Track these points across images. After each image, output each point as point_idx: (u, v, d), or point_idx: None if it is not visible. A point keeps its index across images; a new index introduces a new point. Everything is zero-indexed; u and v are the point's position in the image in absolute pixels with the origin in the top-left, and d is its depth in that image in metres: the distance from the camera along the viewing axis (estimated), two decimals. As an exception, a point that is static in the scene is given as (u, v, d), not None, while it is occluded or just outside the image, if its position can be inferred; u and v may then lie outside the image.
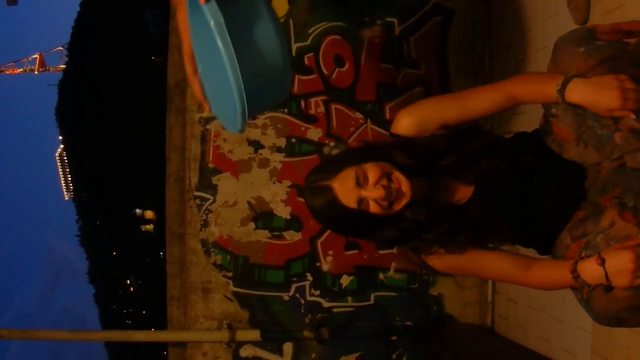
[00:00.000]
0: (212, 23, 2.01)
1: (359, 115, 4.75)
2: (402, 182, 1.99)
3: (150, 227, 37.62)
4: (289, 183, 4.74)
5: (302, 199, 4.71)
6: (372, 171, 2.01)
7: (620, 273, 1.82)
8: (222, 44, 2.01)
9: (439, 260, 2.12)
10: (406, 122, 2.16)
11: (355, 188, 2.01)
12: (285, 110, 4.72)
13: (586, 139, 1.99)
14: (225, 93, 2.15)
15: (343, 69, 4.75)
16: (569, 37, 2.06)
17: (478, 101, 2.15)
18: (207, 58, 2.26)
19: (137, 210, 38.28)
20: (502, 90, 2.14)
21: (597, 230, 1.96)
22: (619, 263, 1.82)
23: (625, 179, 1.96)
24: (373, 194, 1.99)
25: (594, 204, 2.04)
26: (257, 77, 2.11)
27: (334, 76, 4.75)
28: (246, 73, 2.04)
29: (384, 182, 1.99)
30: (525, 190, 2.12)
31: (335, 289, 4.81)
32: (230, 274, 4.77)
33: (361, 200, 2.01)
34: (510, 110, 4.18)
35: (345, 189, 2.02)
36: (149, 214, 37.51)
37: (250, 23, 2.13)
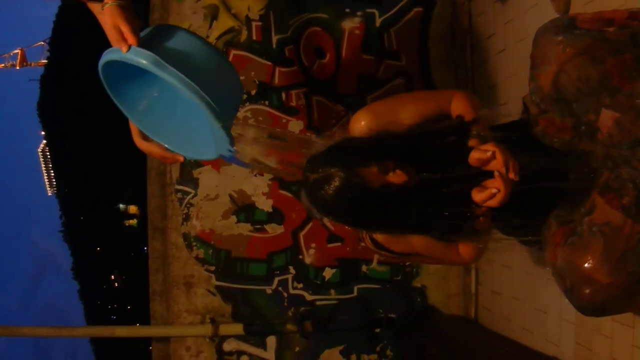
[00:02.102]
0: (145, 64, 2.07)
1: (340, 107, 4.73)
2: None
3: (134, 222, 37.54)
4: (270, 176, 4.71)
5: (285, 192, 4.72)
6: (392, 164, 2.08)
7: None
8: (168, 76, 2.08)
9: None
10: (365, 123, 2.22)
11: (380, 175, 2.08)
12: (266, 102, 4.70)
13: (576, 129, 1.99)
14: (195, 127, 2.21)
15: (324, 61, 4.74)
16: (549, 26, 2.06)
17: (430, 106, 2.24)
18: (158, 118, 2.34)
19: (121, 205, 38.18)
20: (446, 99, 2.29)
21: (582, 214, 1.96)
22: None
23: (611, 166, 1.96)
24: (399, 179, 2.07)
25: (581, 191, 2.04)
26: (213, 88, 2.16)
27: (314, 68, 4.73)
28: (206, 88, 2.10)
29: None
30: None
31: (318, 282, 4.80)
32: (212, 268, 4.75)
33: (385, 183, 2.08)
34: (492, 100, 4.19)
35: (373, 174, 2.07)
36: (133, 208, 37.43)
37: (181, 53, 2.21)
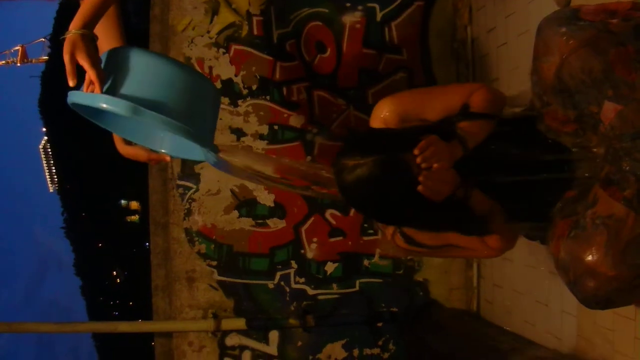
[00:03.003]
0: (124, 113, 2.07)
1: (341, 101, 4.73)
2: None
3: (135, 217, 37.50)
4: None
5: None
6: None
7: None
8: (153, 120, 2.09)
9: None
10: (390, 112, 2.20)
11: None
12: (267, 97, 4.70)
13: (578, 121, 1.99)
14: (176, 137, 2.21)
15: (325, 55, 4.73)
16: (552, 17, 2.05)
17: (455, 99, 2.21)
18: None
19: (122, 201, 38.16)
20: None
21: (585, 207, 1.96)
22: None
23: (612, 158, 1.95)
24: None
25: (584, 183, 2.04)
26: (188, 107, 2.16)
27: (315, 62, 4.73)
28: (181, 111, 2.09)
29: None
30: (517, 173, 2.13)
31: (320, 276, 4.80)
32: (214, 263, 4.75)
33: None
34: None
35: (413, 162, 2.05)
36: (134, 204, 37.40)
37: (144, 78, 2.20)
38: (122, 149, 2.64)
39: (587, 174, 2.07)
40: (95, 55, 2.16)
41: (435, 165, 2.01)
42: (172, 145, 2.57)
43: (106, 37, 2.55)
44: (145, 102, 2.08)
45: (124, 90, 2.11)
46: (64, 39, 2.24)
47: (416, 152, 2.00)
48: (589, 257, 1.91)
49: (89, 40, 2.19)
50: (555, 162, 2.14)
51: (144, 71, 2.19)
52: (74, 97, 2.16)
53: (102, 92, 2.12)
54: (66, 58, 2.16)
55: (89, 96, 2.12)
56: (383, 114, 2.23)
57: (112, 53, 2.31)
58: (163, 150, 2.60)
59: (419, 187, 1.99)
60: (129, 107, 2.04)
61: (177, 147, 2.55)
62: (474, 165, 2.13)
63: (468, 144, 2.11)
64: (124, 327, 4.97)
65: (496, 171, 2.16)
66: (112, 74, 2.15)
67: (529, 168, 2.14)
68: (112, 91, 2.13)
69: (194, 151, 2.41)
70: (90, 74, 2.11)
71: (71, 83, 2.11)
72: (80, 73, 2.17)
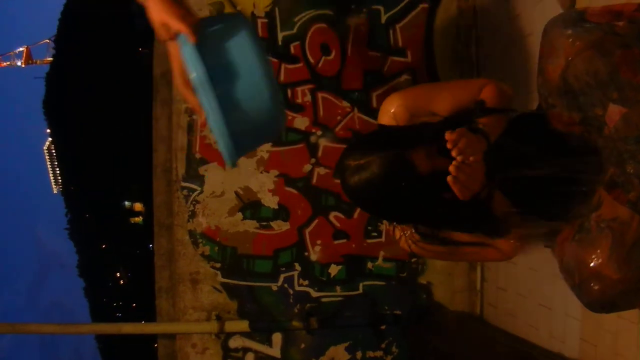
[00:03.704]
0: (193, 76, 2.00)
1: (345, 103, 4.73)
2: None
3: (139, 219, 37.64)
4: (276, 172, 4.72)
5: (291, 188, 4.72)
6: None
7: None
8: (204, 97, 2.01)
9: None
10: (399, 106, 2.16)
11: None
12: (272, 99, 4.69)
13: (583, 124, 1.99)
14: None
15: (329, 57, 4.73)
16: (558, 19, 2.05)
17: (464, 94, 2.18)
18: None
19: (126, 203, 38.28)
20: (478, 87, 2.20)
21: (589, 210, 1.95)
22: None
23: (617, 161, 1.95)
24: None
25: (590, 185, 2.03)
26: (243, 122, 2.10)
27: (320, 64, 4.73)
28: (233, 119, 2.03)
29: None
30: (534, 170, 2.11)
31: (324, 279, 4.80)
32: (218, 265, 4.75)
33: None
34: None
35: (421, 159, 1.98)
36: (138, 206, 37.54)
37: (236, 69, 2.10)
38: (181, 85, 2.52)
39: (592, 174, 2.06)
40: (188, 19, 2.04)
41: (471, 159, 1.96)
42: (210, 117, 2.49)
43: None
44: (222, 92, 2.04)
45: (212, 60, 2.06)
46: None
47: (449, 145, 1.94)
48: (594, 261, 1.90)
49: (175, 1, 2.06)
50: (565, 165, 2.12)
51: (236, 59, 2.11)
52: (185, 45, 2.08)
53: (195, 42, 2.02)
54: (156, 25, 2.06)
55: (192, 57, 2.05)
56: (392, 109, 2.17)
57: (223, 21, 2.26)
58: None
59: (448, 178, 1.93)
60: (201, 77, 1.99)
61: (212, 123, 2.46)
62: (495, 162, 2.10)
63: (490, 138, 2.08)
64: (127, 328, 4.96)
65: (514, 169, 2.13)
66: (209, 41, 2.10)
67: (545, 166, 2.12)
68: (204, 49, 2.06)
69: (219, 140, 2.35)
70: (180, 28, 2.02)
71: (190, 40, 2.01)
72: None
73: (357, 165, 1.99)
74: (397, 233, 2.27)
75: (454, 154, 1.92)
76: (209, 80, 2.00)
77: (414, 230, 2.20)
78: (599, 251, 1.89)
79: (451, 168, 1.92)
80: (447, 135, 1.93)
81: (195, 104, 2.20)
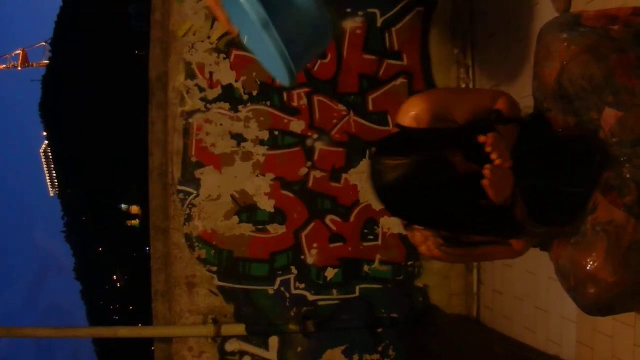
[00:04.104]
0: (256, 19, 1.99)
1: (341, 106, 4.74)
2: None
3: (135, 222, 37.59)
4: (272, 176, 4.72)
5: (287, 192, 4.72)
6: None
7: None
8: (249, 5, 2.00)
9: None
10: (423, 110, 2.10)
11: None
12: (268, 102, 4.70)
13: (578, 127, 1.99)
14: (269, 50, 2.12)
15: (325, 61, 4.73)
16: (554, 22, 2.05)
17: (481, 103, 2.16)
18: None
19: (123, 206, 38.24)
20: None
21: (585, 213, 1.95)
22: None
23: (612, 164, 1.95)
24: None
25: (588, 189, 2.03)
26: (291, 27, 2.09)
27: (316, 68, 4.73)
28: (286, 33, 2.02)
29: None
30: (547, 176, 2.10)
31: (320, 282, 4.80)
32: (214, 268, 4.75)
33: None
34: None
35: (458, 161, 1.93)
36: (135, 208, 37.47)
37: None
38: (211, 1, 2.47)
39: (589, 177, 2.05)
40: None
41: (507, 164, 1.91)
42: (253, 37, 2.45)
43: None
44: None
45: None
46: None
47: (488, 148, 1.91)
48: (590, 264, 1.90)
49: None
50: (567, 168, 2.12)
51: None
52: None
53: None
54: None
55: None
56: (415, 112, 2.11)
57: None
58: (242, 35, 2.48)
59: (484, 182, 1.90)
60: (263, 18, 1.99)
61: (257, 43, 2.43)
62: (519, 169, 2.08)
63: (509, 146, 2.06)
64: (123, 332, 4.96)
65: (529, 175, 2.12)
66: None
67: (556, 171, 2.10)
68: None
69: (271, 62, 2.32)
70: None
71: None
72: None
73: (396, 165, 1.93)
74: (418, 237, 2.20)
75: (493, 156, 1.89)
76: (268, 21, 2.00)
77: (436, 235, 2.17)
78: (594, 254, 1.89)
79: (486, 171, 1.88)
80: (484, 138, 1.91)
81: (225, 22, 2.19)
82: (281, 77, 2.29)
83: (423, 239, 2.17)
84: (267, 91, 4.71)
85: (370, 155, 2.02)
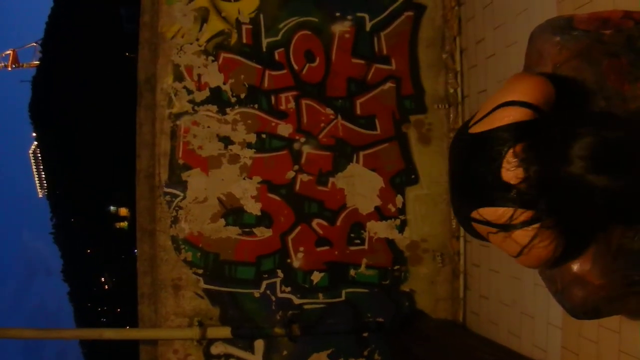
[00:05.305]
0: None
1: (329, 110, 4.74)
2: None
3: (124, 224, 37.48)
4: (259, 179, 4.71)
5: (274, 195, 4.71)
6: None
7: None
8: None
9: None
10: (545, 93, 1.89)
11: None
12: (256, 105, 4.70)
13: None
14: None
15: (314, 65, 4.74)
16: (546, 26, 2.04)
17: None
18: None
19: (112, 208, 38.11)
20: None
21: None
22: None
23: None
24: None
25: None
26: None
27: (304, 71, 4.73)
28: None
29: None
30: None
31: (306, 286, 4.79)
32: (200, 271, 4.74)
33: None
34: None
35: None
36: (123, 211, 37.36)
37: None
38: None
39: None
40: None
41: None
42: None
43: None
44: None
45: None
46: None
47: None
48: (577, 266, 1.90)
49: None
50: None
51: None
52: None
53: None
54: None
55: None
56: (540, 89, 1.83)
57: None
58: None
59: None
60: None
61: None
62: None
63: None
64: (109, 334, 4.95)
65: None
66: None
67: None
68: None
69: None
70: None
71: None
72: None
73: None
74: (522, 238, 1.86)
75: None
76: None
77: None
78: (582, 257, 1.89)
79: None
80: None
81: None
82: None
83: (528, 239, 1.83)
84: (255, 94, 4.71)
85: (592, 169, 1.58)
